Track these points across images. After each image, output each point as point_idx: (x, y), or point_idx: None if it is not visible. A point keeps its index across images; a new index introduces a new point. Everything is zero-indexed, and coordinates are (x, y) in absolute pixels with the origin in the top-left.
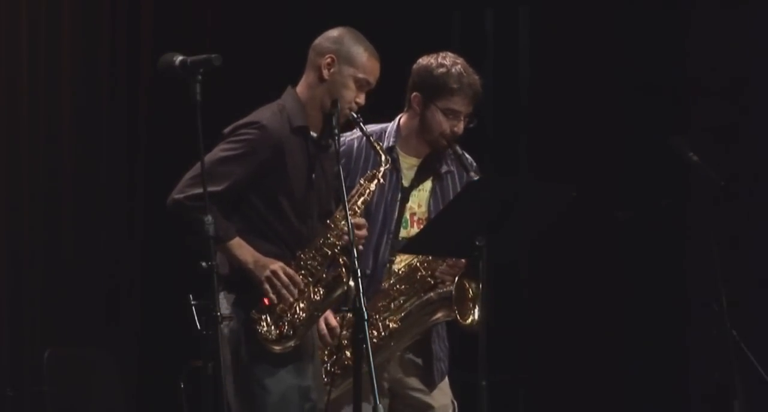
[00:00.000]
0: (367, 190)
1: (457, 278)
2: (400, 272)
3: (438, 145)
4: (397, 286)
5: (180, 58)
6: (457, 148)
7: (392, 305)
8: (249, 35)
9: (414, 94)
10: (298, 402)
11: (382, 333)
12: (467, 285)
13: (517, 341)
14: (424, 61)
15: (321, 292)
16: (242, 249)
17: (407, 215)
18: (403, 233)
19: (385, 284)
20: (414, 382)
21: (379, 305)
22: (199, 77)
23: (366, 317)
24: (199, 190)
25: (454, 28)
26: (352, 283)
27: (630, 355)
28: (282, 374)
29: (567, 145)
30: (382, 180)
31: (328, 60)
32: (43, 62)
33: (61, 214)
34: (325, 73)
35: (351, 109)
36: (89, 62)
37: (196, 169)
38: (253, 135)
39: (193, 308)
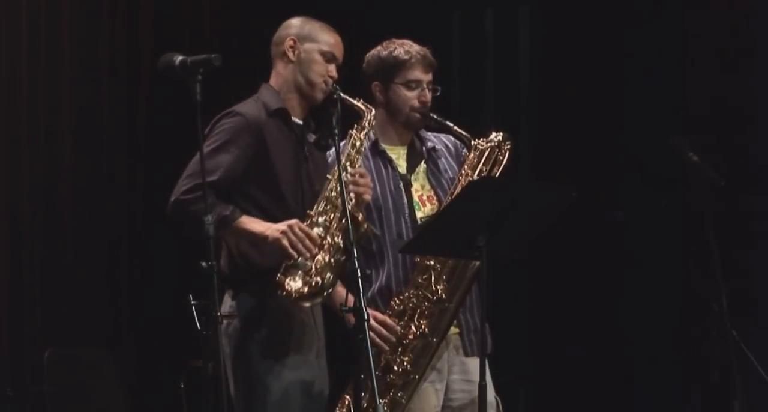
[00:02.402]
0: (358, 141)
1: None
2: None
3: (413, 122)
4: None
5: (180, 58)
6: (433, 115)
7: (432, 273)
8: (248, 35)
9: (373, 84)
10: (299, 399)
11: (433, 298)
12: None
13: (518, 341)
14: (370, 52)
15: (339, 235)
16: (253, 223)
17: (415, 197)
18: (419, 214)
19: (418, 258)
20: (464, 369)
21: (421, 279)
22: (199, 77)
23: (366, 317)
24: (194, 183)
25: (454, 28)
26: (366, 222)
27: (630, 355)
28: (283, 371)
29: (567, 145)
30: (368, 126)
31: (290, 42)
32: (43, 62)
33: (61, 213)
34: (291, 55)
35: (327, 84)
36: (89, 62)
37: (188, 169)
38: (231, 123)
39: (193, 308)
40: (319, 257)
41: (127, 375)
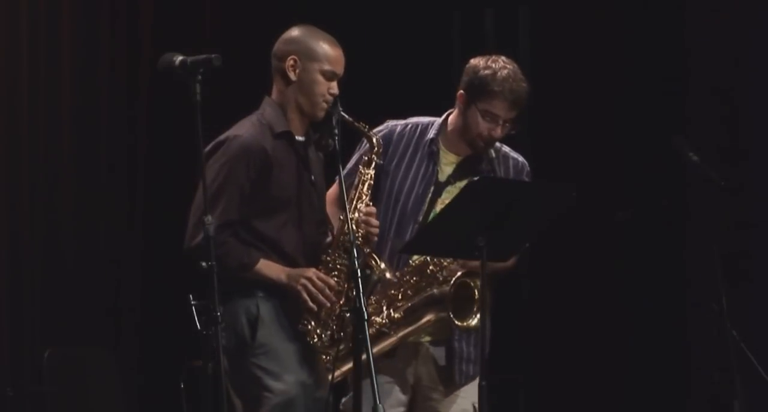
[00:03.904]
0: (368, 176)
1: (458, 276)
2: (414, 264)
3: (475, 146)
4: (408, 277)
5: (180, 58)
6: (493, 152)
7: (400, 296)
8: (249, 35)
9: (460, 92)
10: (303, 401)
11: (384, 321)
12: (472, 284)
13: (517, 341)
14: (474, 60)
15: None
16: (271, 268)
17: (438, 208)
18: None
19: (398, 273)
20: (434, 379)
21: (390, 292)
22: (199, 77)
23: (366, 317)
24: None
25: (454, 28)
26: (383, 265)
27: (630, 355)
28: (284, 374)
29: (567, 145)
30: (380, 161)
31: (291, 62)
32: (43, 63)
33: (61, 214)
34: (292, 75)
35: (327, 102)
36: (89, 63)
37: (194, 212)
38: (232, 150)
39: (193, 308)
40: (339, 304)
41: (127, 375)
